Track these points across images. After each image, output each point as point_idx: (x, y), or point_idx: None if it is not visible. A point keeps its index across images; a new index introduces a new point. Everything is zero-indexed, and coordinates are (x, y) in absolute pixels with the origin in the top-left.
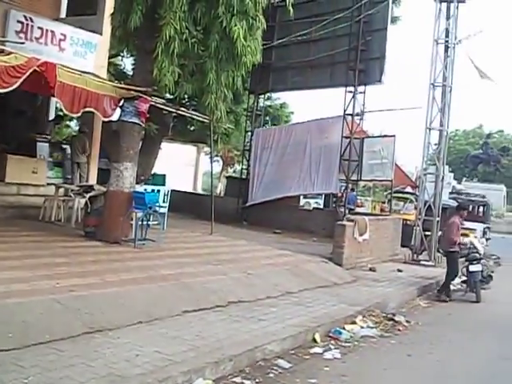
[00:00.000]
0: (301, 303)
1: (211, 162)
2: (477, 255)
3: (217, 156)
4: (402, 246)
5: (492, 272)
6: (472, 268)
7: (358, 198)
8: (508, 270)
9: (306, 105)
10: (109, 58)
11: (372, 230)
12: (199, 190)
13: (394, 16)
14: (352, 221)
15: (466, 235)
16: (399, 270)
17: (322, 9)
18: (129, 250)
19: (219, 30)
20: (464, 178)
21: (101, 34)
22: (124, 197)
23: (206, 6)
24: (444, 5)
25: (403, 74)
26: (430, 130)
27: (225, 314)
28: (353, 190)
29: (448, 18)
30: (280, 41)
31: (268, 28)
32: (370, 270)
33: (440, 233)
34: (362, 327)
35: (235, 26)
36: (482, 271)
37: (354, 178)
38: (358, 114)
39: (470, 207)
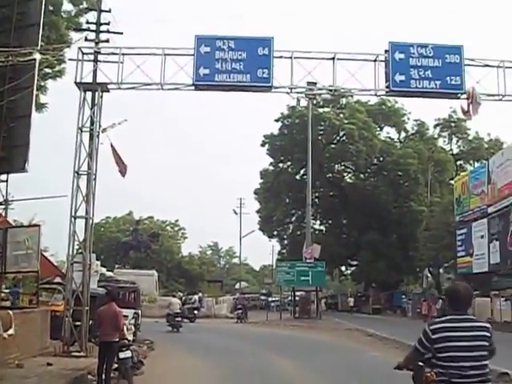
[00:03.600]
0: None
1: None
2: (126, 342)
3: None
4: (53, 338)
5: (144, 357)
6: (122, 355)
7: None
8: (161, 354)
9: None
10: None
11: (18, 325)
12: None
13: (40, 103)
14: None
15: None
16: (49, 364)
17: None
18: None
19: None
20: (116, 265)
21: None
22: None
23: None
24: (89, 94)
25: (55, 161)
26: (75, 218)
27: None
28: (15, 285)
29: (92, 106)
30: None
31: None
32: (18, 366)
33: (91, 322)
34: None
35: None
36: (132, 357)
37: None
38: (0, 204)
39: (121, 294)
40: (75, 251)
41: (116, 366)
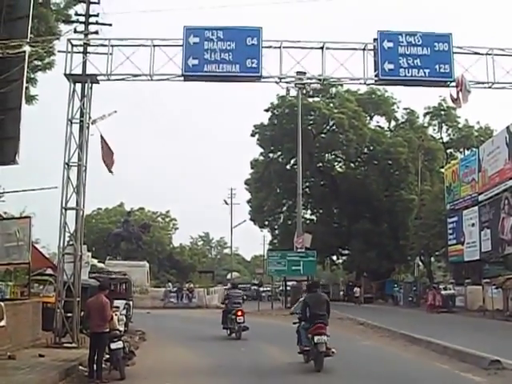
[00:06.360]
0: None
1: None
2: (117, 332)
3: None
4: (45, 329)
5: (136, 348)
6: (113, 346)
7: None
8: (152, 345)
9: None
10: None
11: (10, 316)
12: None
13: (30, 95)
14: None
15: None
16: (41, 355)
17: None
18: None
19: None
20: (108, 257)
21: None
22: None
23: None
24: (78, 85)
25: (45, 153)
26: (65, 209)
27: None
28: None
29: (82, 98)
30: None
31: None
32: (10, 358)
33: (82, 313)
34: None
35: None
36: (123, 348)
37: None
38: None
39: (112, 285)
40: (66, 243)
41: (107, 356)
